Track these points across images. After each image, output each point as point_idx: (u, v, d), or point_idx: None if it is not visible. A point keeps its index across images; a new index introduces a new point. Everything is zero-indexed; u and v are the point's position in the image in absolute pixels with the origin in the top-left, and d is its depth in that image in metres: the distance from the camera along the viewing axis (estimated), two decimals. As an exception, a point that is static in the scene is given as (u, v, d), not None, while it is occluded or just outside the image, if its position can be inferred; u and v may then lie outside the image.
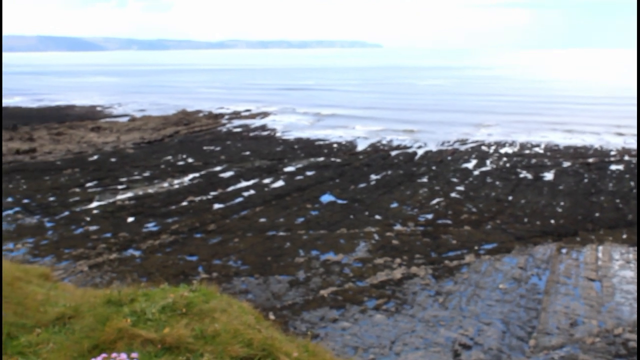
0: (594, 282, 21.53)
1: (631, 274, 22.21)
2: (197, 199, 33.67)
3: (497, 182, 37.27)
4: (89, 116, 76.36)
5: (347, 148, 51.05)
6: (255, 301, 19.50)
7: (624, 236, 26.67)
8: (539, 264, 23.42)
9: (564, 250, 24.85)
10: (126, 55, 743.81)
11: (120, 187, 36.67)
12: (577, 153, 47.36)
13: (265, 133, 60.85)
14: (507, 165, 42.81)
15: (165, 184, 37.39)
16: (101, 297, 8.58)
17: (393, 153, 48.44)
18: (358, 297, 20.26)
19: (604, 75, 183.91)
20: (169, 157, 46.46)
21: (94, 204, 32.65)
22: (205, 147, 51.26)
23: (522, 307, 19.47)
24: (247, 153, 48.36)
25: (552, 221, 29.06)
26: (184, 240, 26.48)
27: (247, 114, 78.88)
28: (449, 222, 29.17)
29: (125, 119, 72.78)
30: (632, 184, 36.40)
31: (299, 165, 43.09)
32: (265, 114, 78.26)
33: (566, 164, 42.76)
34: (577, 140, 54.02)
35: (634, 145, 50.29)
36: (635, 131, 57.44)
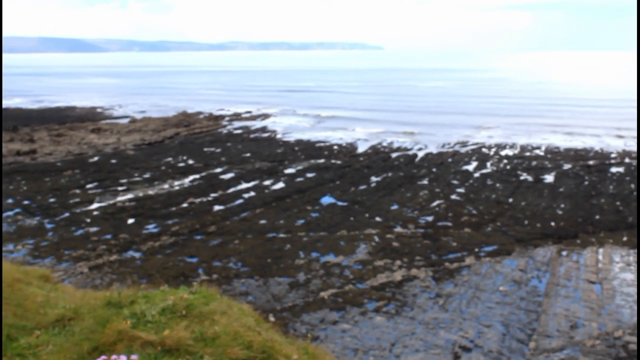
0: (594, 284, 21.52)
1: (631, 276, 22.19)
2: (198, 200, 33.68)
3: (498, 184, 37.26)
4: (90, 117, 76.40)
5: (348, 150, 51.05)
6: (255, 303, 19.50)
7: (625, 239, 26.66)
8: (539, 266, 23.41)
9: (564, 253, 24.84)
10: (127, 56, 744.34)
11: (120, 188, 36.67)
12: (577, 155, 47.35)
13: (265, 135, 60.86)
14: (508, 167, 42.80)
15: (166, 186, 37.40)
16: (101, 298, 8.58)
17: (393, 155, 48.44)
18: (358, 299, 20.25)
19: (605, 77, 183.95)
20: (170, 159, 46.47)
21: (94, 206, 32.65)
22: (205, 149, 51.27)
23: (522, 309, 19.46)
24: (248, 155, 48.37)
25: (553, 223, 29.05)
26: (184, 241, 26.47)
27: (247, 115, 78.90)
28: (449, 224, 29.16)
29: (125, 121, 72.81)
30: (633, 186, 36.38)
31: (300, 167, 43.09)
32: (265, 116, 78.28)
33: (567, 166, 42.75)
34: (578, 143, 54.01)
35: (635, 148, 50.27)
36: (635, 134, 57.43)
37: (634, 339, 17.20)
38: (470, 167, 42.95)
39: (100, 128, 63.72)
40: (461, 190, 35.96)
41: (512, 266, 23.40)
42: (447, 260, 24.06)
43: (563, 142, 54.74)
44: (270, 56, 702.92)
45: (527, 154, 48.48)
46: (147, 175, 40.28)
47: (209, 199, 34.12)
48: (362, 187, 36.89)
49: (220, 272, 22.77)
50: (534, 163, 44.22)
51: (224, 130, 64.06)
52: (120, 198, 34.29)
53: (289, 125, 68.63)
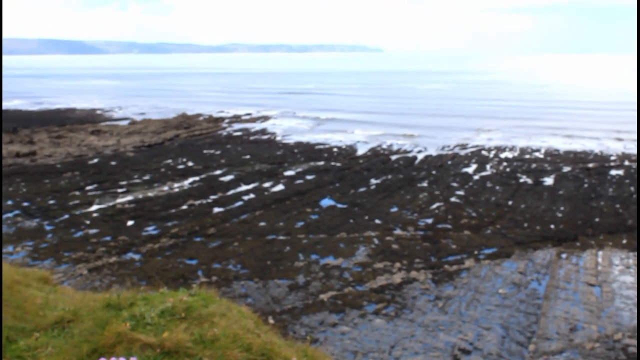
0: (594, 287, 21.52)
1: (631, 279, 22.19)
2: (197, 202, 33.68)
3: (497, 187, 37.28)
4: (89, 119, 76.43)
5: (347, 152, 51.07)
6: (255, 305, 19.49)
7: (624, 241, 26.66)
8: (539, 268, 23.41)
9: (563, 255, 24.84)
10: (127, 58, 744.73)
11: (120, 190, 36.67)
12: (577, 158, 47.38)
13: (265, 137, 60.87)
14: (507, 170, 42.82)
15: (165, 188, 37.40)
16: (100, 300, 8.57)
17: (393, 157, 48.45)
18: (358, 302, 20.25)
19: (605, 80, 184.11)
20: (169, 161, 46.48)
21: (94, 207, 32.65)
22: (205, 151, 51.28)
23: (522, 312, 19.45)
24: (247, 157, 48.38)
25: (552, 226, 29.06)
26: (184, 244, 26.47)
27: (247, 117, 78.93)
28: (448, 226, 29.17)
29: (125, 123, 72.81)
30: (632, 189, 36.40)
31: (299, 169, 43.10)
32: (265, 118, 78.30)
33: (566, 169, 42.77)
34: (577, 145, 54.03)
35: (634, 151, 50.30)
36: (635, 136, 57.47)
37: (634, 341, 17.20)
38: (470, 170, 42.97)
39: (100, 130, 63.73)
40: (461, 192, 35.97)
41: (512, 269, 23.40)
42: (447, 263, 24.05)
43: (563, 144, 54.77)
44: (269, 58, 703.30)
45: (527, 156, 48.50)
46: (146, 177, 40.28)
47: (209, 201, 34.12)
48: (362, 189, 36.90)
49: (219, 274, 22.77)
50: (533, 166, 44.24)
51: (224, 133, 64.08)
52: (119, 200, 34.28)
53: (289, 128, 68.65)
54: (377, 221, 29.90)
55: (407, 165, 45.01)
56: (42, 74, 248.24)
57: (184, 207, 32.75)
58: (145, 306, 8.00)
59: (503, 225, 29.18)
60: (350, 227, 28.98)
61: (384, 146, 54.32)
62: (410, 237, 27.44)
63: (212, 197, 35.00)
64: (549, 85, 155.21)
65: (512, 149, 52.36)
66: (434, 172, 42.04)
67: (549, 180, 39.24)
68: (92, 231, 28.24)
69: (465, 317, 19.05)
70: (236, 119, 77.51)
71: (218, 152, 50.60)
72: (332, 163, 45.68)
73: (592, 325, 18.37)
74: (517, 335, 17.81)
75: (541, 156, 48.54)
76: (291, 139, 58.96)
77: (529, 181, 38.98)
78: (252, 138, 59.85)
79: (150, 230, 28.59)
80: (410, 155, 49.73)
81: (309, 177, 40.21)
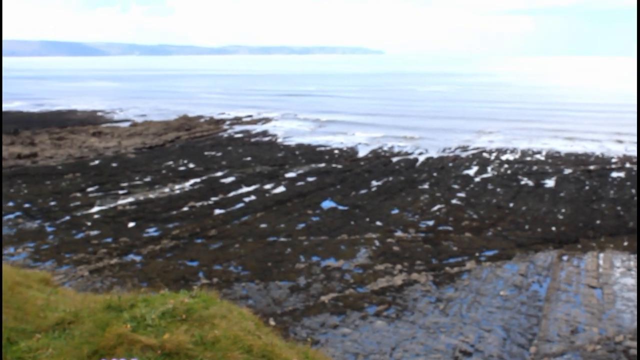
0: (595, 289, 21.49)
1: (632, 281, 22.17)
2: (198, 204, 33.68)
3: (498, 189, 37.26)
4: (91, 121, 76.45)
5: (348, 154, 51.07)
6: (256, 307, 19.48)
7: (625, 243, 26.64)
8: (540, 271, 23.39)
9: (565, 258, 24.82)
10: (128, 60, 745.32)
11: (121, 192, 36.68)
12: (578, 160, 47.35)
13: (266, 139, 60.88)
14: (508, 172, 42.80)
15: (166, 189, 37.40)
16: (101, 302, 8.57)
17: (394, 159, 48.45)
18: (359, 304, 20.23)
19: (606, 82, 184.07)
20: (170, 163, 46.49)
21: (95, 209, 32.66)
22: (206, 153, 51.29)
23: (523, 314, 19.43)
24: (248, 159, 48.38)
25: (553, 228, 29.04)
26: (185, 245, 26.47)
27: (248, 119, 78.95)
28: (449, 228, 29.15)
29: (126, 124, 72.84)
30: (633, 191, 36.38)
31: (300, 171, 43.10)
32: (266, 120, 78.32)
33: (567, 171, 42.74)
34: (578, 148, 54.01)
35: (635, 153, 50.27)
36: (635, 139, 57.40)
37: (635, 343, 17.17)
38: (471, 172, 42.95)
39: (101, 132, 63.76)
40: (462, 194, 35.95)
41: (513, 271, 23.38)
42: (448, 265, 24.04)
43: (564, 147, 54.74)
44: (271, 60, 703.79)
45: (528, 158, 48.48)
46: (147, 179, 40.29)
47: (210, 202, 34.12)
48: (363, 191, 36.89)
49: (220, 276, 22.76)
50: (534, 168, 44.22)
51: (225, 134, 64.10)
52: (121, 202, 34.29)
53: (290, 130, 68.66)
54: (378, 223, 29.89)
55: (408, 167, 44.99)
56: (43, 75, 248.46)
57: (185, 208, 32.75)
58: (146, 308, 8.01)
59: (504, 228, 29.16)
60: (351, 229, 28.97)
61: (385, 148, 54.31)
62: (411, 239, 27.42)
63: (213, 198, 35.01)
64: (550, 87, 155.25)
65: (513, 151, 52.34)
66: (435, 174, 42.02)
67: (550, 183, 39.22)
68: (93, 233, 28.25)
69: (466, 319, 19.03)
70: (237, 120, 77.53)
71: (219, 154, 50.61)
72: (333, 165, 45.68)
73: (593, 327, 18.34)
74: (518, 337, 17.79)
75: (542, 158, 48.53)
76: (292, 141, 58.97)
77: (530, 183, 38.96)
78: (253, 140, 59.86)
79: (151, 231, 28.59)
80: (411, 157, 49.71)
81: (310, 179, 40.20)
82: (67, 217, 30.91)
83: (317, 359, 8.48)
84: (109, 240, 27.14)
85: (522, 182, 39.23)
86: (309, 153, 51.36)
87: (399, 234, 28.21)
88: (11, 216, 31.03)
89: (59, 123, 72.40)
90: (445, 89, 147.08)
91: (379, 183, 39.13)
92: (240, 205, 33.59)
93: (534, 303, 20.30)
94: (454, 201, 34.35)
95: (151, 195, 35.79)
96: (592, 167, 44.00)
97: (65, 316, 8.05)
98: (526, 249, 25.98)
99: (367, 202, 34.13)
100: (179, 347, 6.85)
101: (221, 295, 9.78)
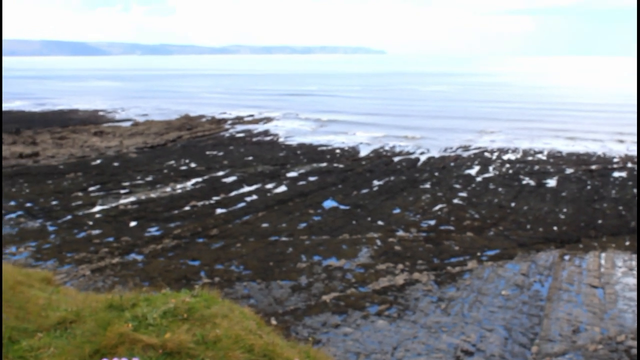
0: (597, 289, 21.48)
1: (634, 281, 22.15)
2: (200, 203, 33.69)
3: (500, 189, 37.24)
4: (92, 120, 76.50)
5: (350, 154, 51.06)
6: (257, 306, 19.49)
7: (627, 243, 26.62)
8: (542, 270, 23.37)
9: (566, 257, 24.80)
10: (129, 60, 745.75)
11: (122, 191, 36.70)
12: (579, 160, 47.32)
13: (268, 138, 60.90)
14: (510, 171, 42.77)
15: (168, 189, 37.42)
16: (103, 301, 8.56)
17: (396, 159, 48.44)
18: (360, 303, 20.23)
19: (607, 82, 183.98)
20: (172, 162, 46.51)
21: (97, 208, 32.68)
22: (208, 152, 51.31)
23: (525, 313, 19.42)
24: (250, 158, 48.39)
25: (555, 228, 29.02)
26: (187, 244, 26.48)
27: (250, 119, 78.98)
28: (451, 228, 29.14)
29: (128, 124, 72.87)
30: (635, 191, 36.34)
31: (302, 171, 43.10)
32: (268, 119, 78.34)
33: (569, 171, 42.72)
34: (580, 147, 53.98)
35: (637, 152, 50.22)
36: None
37: (636, 343, 17.15)
38: (473, 171, 42.93)
39: (102, 131, 63.80)
40: (463, 194, 35.94)
41: (515, 270, 23.37)
42: (450, 264, 24.03)
43: (565, 146, 54.71)
44: (272, 60, 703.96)
45: (530, 158, 48.46)
46: (149, 179, 40.31)
47: (211, 202, 34.13)
48: (365, 190, 36.88)
49: (222, 275, 22.77)
50: (536, 167, 44.20)
51: (227, 134, 64.12)
52: (122, 201, 34.31)
53: (291, 129, 68.68)
54: (380, 223, 29.88)
55: (409, 166, 44.99)
56: (44, 75, 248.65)
57: (187, 208, 32.77)
58: (148, 307, 8.00)
59: (506, 227, 29.14)
60: (353, 228, 28.97)
61: (387, 148, 54.31)
62: (412, 238, 27.42)
63: (215, 198, 35.01)
64: (551, 87, 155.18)
65: (514, 150, 52.32)
66: (436, 173, 42.01)
67: (551, 182, 39.20)
68: (95, 232, 28.27)
69: (467, 318, 19.02)
70: (239, 120, 77.55)
71: (221, 154, 50.63)
72: (335, 164, 45.68)
73: (595, 327, 18.33)
74: (519, 336, 17.78)
75: (544, 158, 48.50)
76: (294, 141, 58.97)
77: (532, 183, 38.94)
78: (254, 139, 59.88)
79: (153, 231, 28.61)
80: (412, 156, 49.70)
81: (311, 179, 40.20)
82: (69, 217, 30.93)
83: (319, 358, 8.47)
84: (111, 239, 27.16)
85: (524, 182, 39.21)
86: (311, 153, 51.36)
87: (400, 233, 28.20)
88: (13, 215, 31.05)
89: (61, 122, 72.46)
90: (446, 89, 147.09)
91: (381, 182, 39.13)
92: (242, 204, 33.60)
93: (535, 303, 20.29)
94: (455, 201, 34.33)
95: (153, 195, 35.81)
96: (593, 167, 43.96)
97: (66, 315, 8.05)
98: (528, 249, 25.97)
99: (368, 201, 34.13)
100: (181, 347, 6.85)
101: (223, 295, 9.77)
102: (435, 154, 51.12)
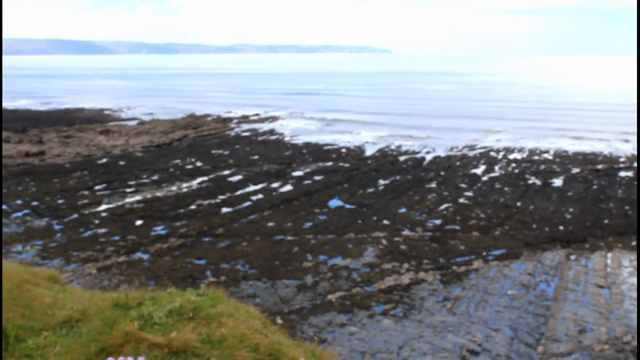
0: (603, 289, 21.40)
1: None
2: (206, 202, 33.71)
3: (506, 188, 37.15)
4: (98, 119, 76.70)
5: (356, 153, 51.03)
6: (263, 305, 19.49)
7: (633, 243, 26.51)
8: (548, 270, 23.30)
9: (572, 257, 24.72)
10: (135, 58, 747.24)
11: (128, 190, 36.76)
12: (586, 159, 47.17)
13: (273, 137, 60.91)
14: (516, 171, 42.67)
15: (174, 188, 37.47)
16: (109, 300, 8.57)
17: (401, 158, 48.39)
18: (366, 302, 20.21)
19: (611, 82, 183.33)
20: (178, 161, 46.57)
21: (103, 207, 32.75)
22: (213, 151, 51.35)
23: (531, 313, 19.36)
24: (256, 157, 48.41)
25: (561, 227, 28.93)
26: (192, 243, 26.50)
27: (255, 118, 79.02)
28: (457, 227, 29.08)
29: (134, 123, 73.03)
30: (642, 190, 36.19)
31: (307, 170, 43.09)
32: (273, 119, 78.37)
33: (575, 170, 42.58)
34: (586, 147, 53.81)
35: (644, 152, 50.03)
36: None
37: (637, 343, 17.09)
38: (479, 171, 42.85)
39: (108, 130, 63.94)
40: (469, 193, 35.87)
41: (521, 270, 23.30)
42: (455, 264, 23.98)
43: (571, 146, 54.56)
44: (278, 59, 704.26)
45: (536, 157, 48.33)
46: (155, 177, 40.37)
47: (217, 201, 34.16)
48: (370, 190, 36.85)
49: (227, 274, 22.78)
50: (542, 167, 44.08)
51: (232, 133, 64.17)
52: (128, 200, 34.37)
53: (297, 128, 68.69)
54: (386, 222, 29.85)
55: (415, 166, 44.93)
56: (50, 74, 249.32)
57: (193, 207, 32.80)
58: (153, 306, 8.00)
59: (512, 227, 29.07)
60: (359, 227, 28.94)
61: (392, 147, 54.25)
62: (418, 237, 27.37)
63: (221, 197, 35.04)
64: (555, 86, 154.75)
65: (520, 150, 52.19)
66: (442, 173, 41.94)
67: (557, 182, 39.08)
68: (101, 231, 28.32)
69: (473, 318, 18.98)
70: (244, 119, 77.60)
71: (226, 153, 50.66)
72: (341, 164, 45.65)
73: (601, 327, 18.26)
74: (525, 336, 17.73)
75: (550, 157, 48.36)
76: (299, 140, 58.97)
77: (538, 182, 38.83)
78: (260, 138, 59.91)
79: (159, 230, 28.64)
80: (418, 156, 49.64)
81: (317, 178, 40.19)
82: (75, 215, 31.01)
83: (324, 357, 8.46)
84: (117, 238, 27.21)
85: (530, 181, 39.11)
86: (316, 152, 51.35)
87: (406, 232, 28.16)
88: (19, 214, 31.14)
89: (67, 121, 72.67)
90: (451, 88, 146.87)
91: (386, 182, 39.09)
92: (248, 203, 33.61)
93: (541, 302, 20.23)
94: (461, 200, 34.27)
95: (159, 194, 35.86)
96: (600, 167, 43.81)
97: (72, 314, 8.06)
98: (534, 248, 25.90)
99: (374, 200, 34.09)
100: (186, 346, 6.85)
101: (228, 294, 9.79)
102: (441, 153, 51.04)
